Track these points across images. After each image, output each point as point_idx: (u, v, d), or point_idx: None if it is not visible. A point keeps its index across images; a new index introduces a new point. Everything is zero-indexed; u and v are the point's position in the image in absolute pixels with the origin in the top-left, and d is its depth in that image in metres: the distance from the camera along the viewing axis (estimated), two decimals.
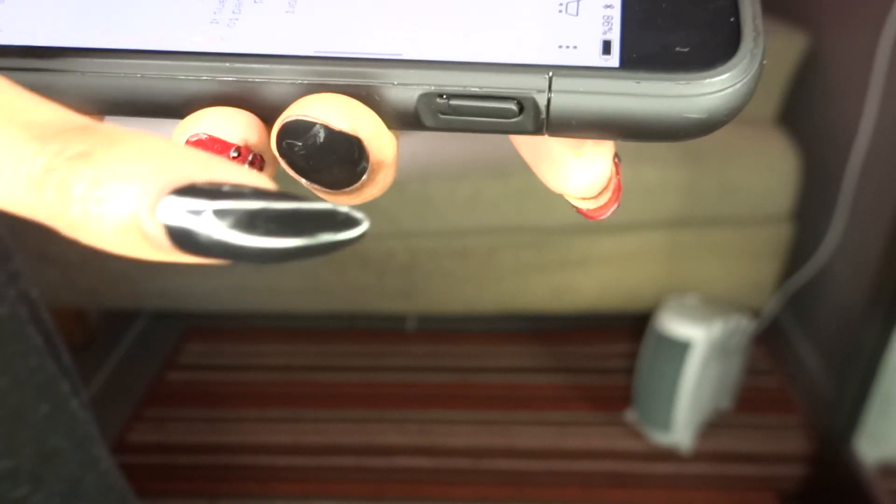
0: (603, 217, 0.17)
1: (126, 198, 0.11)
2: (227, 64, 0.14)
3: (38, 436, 0.33)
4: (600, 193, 0.16)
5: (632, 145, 1.21)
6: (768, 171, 1.34)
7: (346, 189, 0.15)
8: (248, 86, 0.14)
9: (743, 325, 1.27)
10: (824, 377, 1.36)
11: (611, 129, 0.14)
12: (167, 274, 1.52)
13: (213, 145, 0.14)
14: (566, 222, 1.40)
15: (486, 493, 1.25)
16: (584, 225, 1.41)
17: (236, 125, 0.14)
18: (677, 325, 1.20)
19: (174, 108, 0.15)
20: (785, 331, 1.51)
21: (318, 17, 0.15)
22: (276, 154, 0.14)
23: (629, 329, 1.61)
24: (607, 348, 1.57)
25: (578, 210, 0.17)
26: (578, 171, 0.16)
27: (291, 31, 0.15)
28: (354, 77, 0.14)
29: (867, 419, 1.04)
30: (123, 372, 1.59)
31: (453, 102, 0.14)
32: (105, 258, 1.52)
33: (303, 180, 0.15)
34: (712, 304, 1.29)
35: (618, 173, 0.16)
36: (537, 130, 0.15)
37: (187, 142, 0.14)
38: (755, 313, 1.52)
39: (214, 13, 0.15)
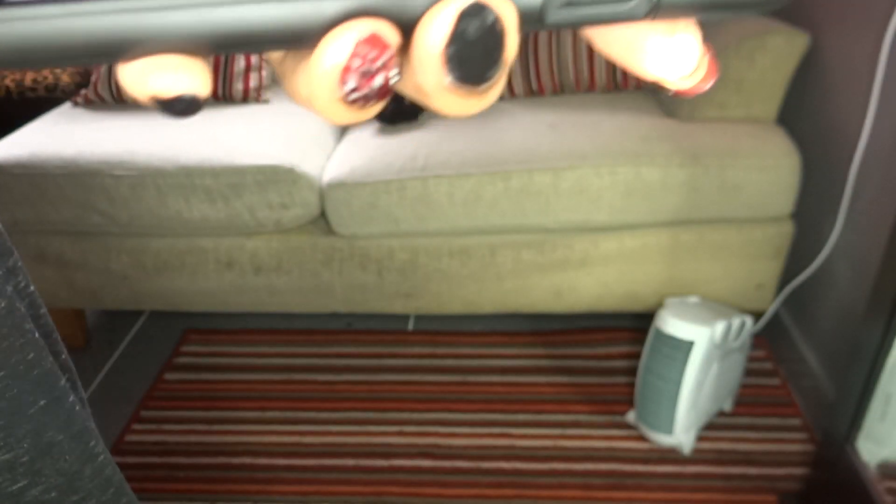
0: (704, 89, 0.18)
1: None
2: None
3: (35, 429, 0.33)
4: (697, 70, 0.18)
5: (634, 147, 1.20)
6: (769, 171, 1.34)
7: (483, 85, 0.16)
8: None
9: (744, 325, 1.26)
10: (825, 378, 1.36)
11: (711, 5, 0.16)
12: (166, 274, 1.52)
13: (377, 44, 0.15)
14: (566, 222, 1.40)
15: (486, 493, 1.25)
16: (584, 225, 1.41)
17: (384, 27, 0.16)
18: (678, 325, 1.20)
19: (311, 34, 0.16)
20: (785, 331, 1.51)
21: None
22: (445, 43, 0.15)
23: (630, 329, 1.61)
24: (608, 349, 1.57)
25: (680, 92, 0.19)
26: (675, 51, 0.17)
27: None
28: None
29: (868, 420, 1.04)
30: (122, 372, 1.59)
31: None
32: (105, 258, 1.52)
33: (447, 76, 0.16)
34: (713, 305, 1.29)
35: (708, 49, 0.18)
36: (647, 15, 0.16)
37: (357, 43, 0.15)
38: (756, 314, 1.52)
39: None
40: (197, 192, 1.41)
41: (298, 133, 1.52)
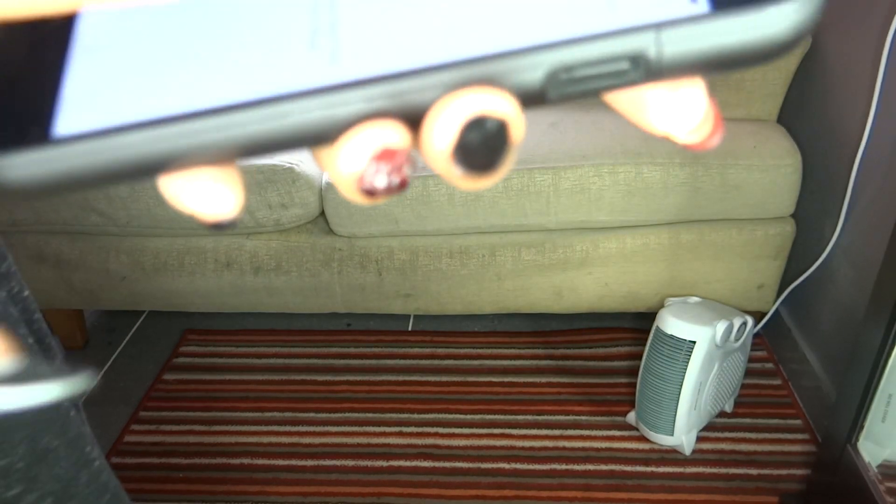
0: (711, 146, 0.19)
1: None
2: (378, 87, 0.16)
3: (30, 435, 0.32)
4: (703, 124, 0.18)
5: (635, 146, 1.20)
6: (769, 170, 1.34)
7: (491, 172, 0.17)
8: (394, 100, 0.16)
9: (745, 325, 1.26)
10: (826, 378, 1.35)
11: (711, 65, 0.16)
12: (165, 274, 1.52)
13: (390, 156, 0.16)
14: (567, 222, 1.40)
15: (486, 494, 1.25)
16: (584, 225, 1.40)
17: (394, 134, 0.16)
18: (679, 325, 1.20)
19: (329, 135, 0.17)
20: (787, 331, 1.50)
21: (429, 26, 0.17)
22: (452, 149, 0.16)
23: (630, 330, 1.61)
24: (608, 349, 1.56)
25: (687, 146, 0.19)
26: (679, 108, 0.17)
27: (418, 41, 0.16)
28: (491, 71, 0.16)
29: (869, 420, 1.04)
30: (121, 373, 1.58)
31: (575, 74, 0.16)
32: (103, 258, 1.51)
33: (459, 171, 0.17)
34: (714, 305, 1.29)
35: (713, 103, 0.18)
36: (646, 80, 0.16)
37: (372, 158, 0.16)
38: (757, 314, 1.52)
39: (317, 49, 0.17)
40: None
41: None
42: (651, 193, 1.35)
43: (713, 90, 1.43)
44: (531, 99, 0.17)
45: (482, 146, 0.16)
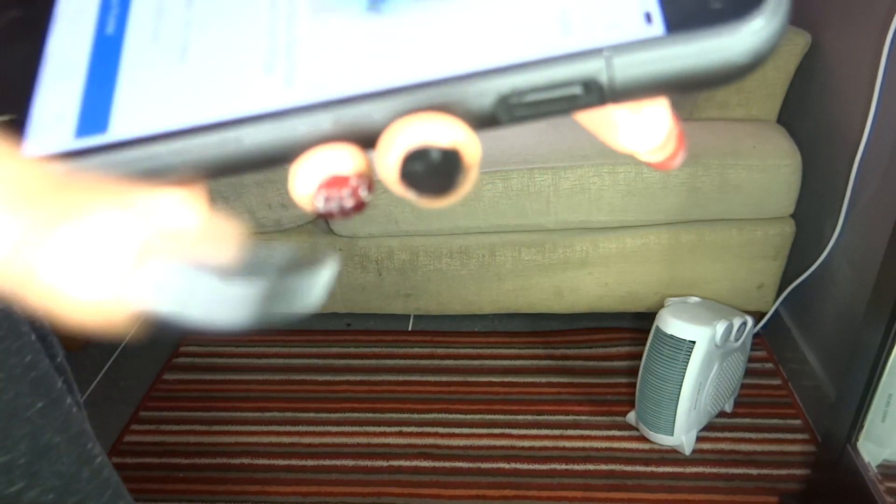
0: (675, 165, 0.19)
1: None
2: (327, 112, 0.16)
3: (32, 431, 0.33)
4: (665, 144, 0.18)
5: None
6: (769, 170, 1.34)
7: (446, 194, 0.17)
8: (346, 125, 0.16)
9: (744, 325, 1.26)
10: (826, 378, 1.35)
11: (668, 88, 0.16)
12: None
13: (339, 182, 0.16)
14: (566, 222, 1.40)
15: (485, 494, 1.25)
16: (584, 225, 1.41)
17: (346, 160, 0.16)
18: (679, 325, 1.20)
19: (285, 158, 0.17)
20: (786, 331, 1.51)
21: (383, 50, 0.16)
22: (397, 177, 0.16)
23: (630, 330, 1.61)
24: (608, 349, 1.56)
25: (651, 165, 0.19)
26: (642, 127, 0.17)
27: (372, 64, 0.16)
28: (439, 96, 0.16)
29: (869, 420, 1.04)
30: (121, 373, 1.58)
31: (526, 99, 0.16)
32: None
33: (412, 195, 0.16)
34: (714, 305, 1.29)
35: (676, 122, 0.18)
36: (602, 103, 0.16)
37: (320, 186, 0.16)
38: (756, 314, 1.52)
39: (273, 72, 0.17)
40: None
41: None
42: (651, 193, 1.35)
43: (713, 90, 1.43)
44: (483, 122, 0.16)
45: (429, 173, 0.16)
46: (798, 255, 1.45)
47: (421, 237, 1.45)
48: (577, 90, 0.16)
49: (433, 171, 0.16)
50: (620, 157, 1.35)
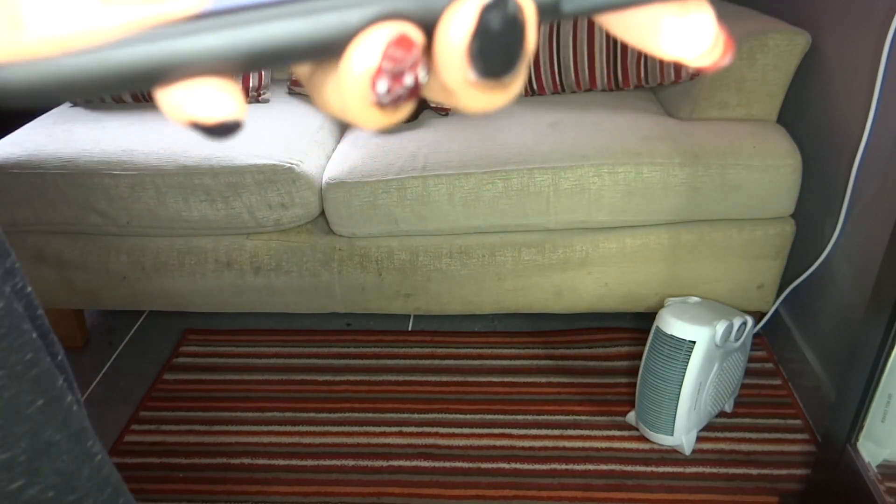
0: (723, 65, 0.19)
1: None
2: None
3: (32, 429, 0.33)
4: (714, 48, 0.18)
5: (635, 147, 1.20)
6: (769, 170, 1.34)
7: (506, 78, 0.16)
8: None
9: (744, 325, 1.26)
10: (826, 378, 1.35)
11: None
12: (165, 274, 1.52)
13: (406, 45, 0.16)
14: (566, 222, 1.40)
15: (485, 494, 1.25)
16: (584, 225, 1.41)
17: (411, 28, 0.16)
18: (679, 325, 1.20)
19: (342, 42, 0.16)
20: (786, 331, 1.51)
21: None
22: (469, 37, 0.16)
23: (630, 330, 1.61)
24: (608, 349, 1.56)
25: (699, 69, 0.19)
26: (690, 31, 0.18)
27: None
28: None
29: (869, 420, 1.04)
30: (121, 373, 1.58)
31: None
32: (104, 258, 1.51)
33: (472, 72, 0.16)
34: (714, 305, 1.29)
35: (722, 27, 0.19)
36: None
37: (387, 45, 0.15)
38: (757, 314, 1.52)
39: None
40: (196, 191, 1.41)
41: (298, 133, 1.52)
42: (651, 193, 1.35)
43: (713, 90, 1.43)
44: (547, 7, 0.16)
45: (498, 39, 0.16)
46: (798, 255, 1.45)
47: (421, 237, 1.45)
48: None
49: (503, 35, 0.16)
50: (620, 156, 1.35)
